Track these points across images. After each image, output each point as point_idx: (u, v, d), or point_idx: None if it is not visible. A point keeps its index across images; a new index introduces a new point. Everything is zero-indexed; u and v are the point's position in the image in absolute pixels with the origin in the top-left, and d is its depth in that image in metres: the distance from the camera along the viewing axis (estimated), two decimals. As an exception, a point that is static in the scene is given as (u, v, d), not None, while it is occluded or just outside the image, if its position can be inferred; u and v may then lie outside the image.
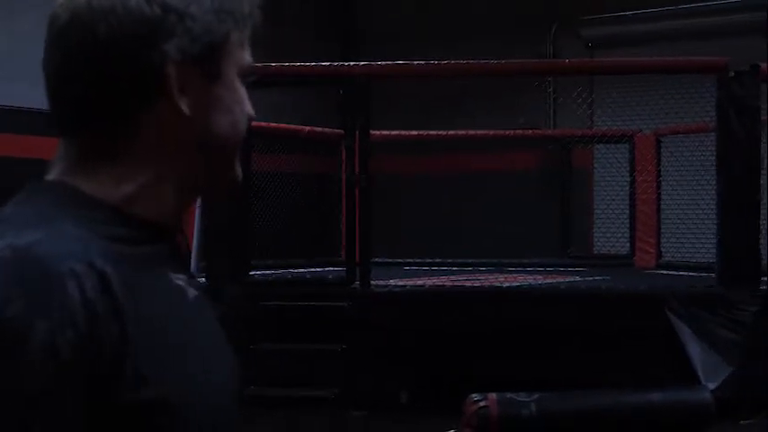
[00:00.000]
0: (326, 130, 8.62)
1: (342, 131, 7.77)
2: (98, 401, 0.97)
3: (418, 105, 10.36)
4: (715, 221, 6.31)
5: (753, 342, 6.00)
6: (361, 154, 6.24)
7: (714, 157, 6.34)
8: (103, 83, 1.08)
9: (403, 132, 9.15)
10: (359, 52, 10.75)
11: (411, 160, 10.22)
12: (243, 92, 1.17)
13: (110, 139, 1.10)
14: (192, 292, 1.14)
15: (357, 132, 6.40)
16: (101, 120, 1.10)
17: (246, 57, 1.16)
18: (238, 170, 1.18)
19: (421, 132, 9.38)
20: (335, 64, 6.82)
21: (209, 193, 1.24)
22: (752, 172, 6.21)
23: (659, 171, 8.32)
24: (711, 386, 5.65)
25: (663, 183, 8.34)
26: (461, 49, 8.94)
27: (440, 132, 9.25)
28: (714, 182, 6.38)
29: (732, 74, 6.24)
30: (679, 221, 8.11)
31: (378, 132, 7.18)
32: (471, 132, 9.33)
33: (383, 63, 6.22)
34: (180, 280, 1.13)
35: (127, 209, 1.09)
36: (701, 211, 7.45)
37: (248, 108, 1.18)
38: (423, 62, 6.34)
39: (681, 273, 7.48)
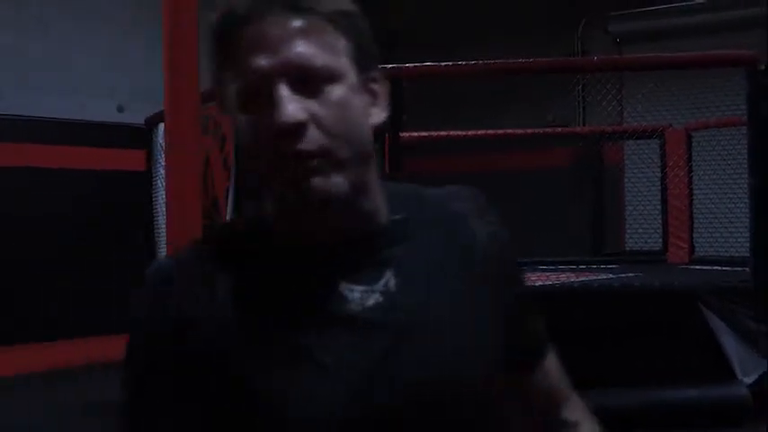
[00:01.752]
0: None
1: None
2: (178, 372, 1.16)
3: (446, 106, 10.35)
4: (748, 215, 6.29)
5: (788, 336, 5.97)
6: (391, 155, 6.24)
7: (746, 151, 6.33)
8: None
9: (432, 133, 9.15)
10: (387, 55, 10.75)
11: (440, 160, 10.21)
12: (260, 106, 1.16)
13: None
14: (358, 303, 1.17)
15: (387, 135, 6.41)
16: None
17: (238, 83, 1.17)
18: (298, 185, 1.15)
19: (450, 132, 9.38)
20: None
21: (294, 209, 1.21)
22: (784, 165, 6.19)
23: (690, 166, 8.29)
24: (748, 381, 5.63)
25: (695, 177, 8.30)
26: (489, 48, 8.92)
27: (468, 132, 9.24)
28: (746, 175, 6.36)
29: (762, 66, 6.21)
30: (712, 216, 8.08)
31: (407, 134, 7.18)
32: (501, 131, 9.31)
33: (413, 65, 6.22)
34: (344, 289, 1.18)
35: (270, 226, 1.23)
36: (733, 206, 7.42)
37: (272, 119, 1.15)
38: (451, 63, 6.33)
39: (714, 267, 7.44)
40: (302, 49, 1.14)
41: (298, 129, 1.13)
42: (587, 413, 1.47)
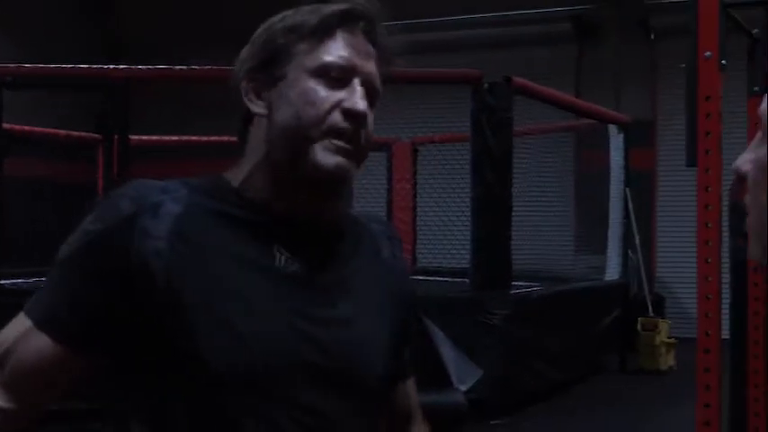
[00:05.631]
0: (84, 134, 8.42)
1: (99, 136, 7.61)
2: (119, 284, 1.31)
3: (179, 110, 10.24)
4: (469, 228, 6.51)
5: (503, 346, 6.22)
6: (119, 159, 6.13)
7: (469, 166, 6.54)
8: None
9: (163, 137, 9.03)
10: (120, 57, 10.54)
11: (170, 165, 10.07)
12: (311, 88, 1.38)
13: (240, 141, 1.47)
14: (287, 268, 1.37)
15: (116, 137, 6.28)
16: (238, 129, 1.48)
17: (318, 58, 1.39)
18: (320, 158, 1.37)
19: (181, 137, 9.29)
20: (95, 66, 6.66)
21: (302, 180, 1.39)
22: (503, 180, 6.45)
23: (416, 179, 8.51)
24: (464, 388, 5.83)
25: (419, 190, 8.53)
26: (223, 55, 8.89)
27: (201, 138, 9.17)
28: (467, 189, 6.58)
29: (486, 85, 6.46)
30: (435, 228, 8.32)
31: (136, 137, 7.06)
32: (233, 138, 9.25)
33: (144, 67, 6.13)
34: (277, 251, 1.37)
35: (242, 190, 1.41)
36: (456, 218, 7.66)
37: (324, 102, 1.37)
38: (184, 67, 6.29)
39: (436, 278, 7.65)
40: (374, 70, 1.45)
41: (365, 118, 1.39)
42: None
